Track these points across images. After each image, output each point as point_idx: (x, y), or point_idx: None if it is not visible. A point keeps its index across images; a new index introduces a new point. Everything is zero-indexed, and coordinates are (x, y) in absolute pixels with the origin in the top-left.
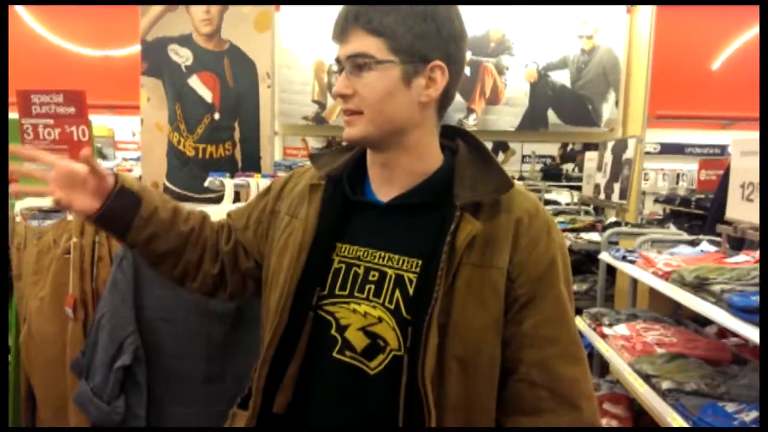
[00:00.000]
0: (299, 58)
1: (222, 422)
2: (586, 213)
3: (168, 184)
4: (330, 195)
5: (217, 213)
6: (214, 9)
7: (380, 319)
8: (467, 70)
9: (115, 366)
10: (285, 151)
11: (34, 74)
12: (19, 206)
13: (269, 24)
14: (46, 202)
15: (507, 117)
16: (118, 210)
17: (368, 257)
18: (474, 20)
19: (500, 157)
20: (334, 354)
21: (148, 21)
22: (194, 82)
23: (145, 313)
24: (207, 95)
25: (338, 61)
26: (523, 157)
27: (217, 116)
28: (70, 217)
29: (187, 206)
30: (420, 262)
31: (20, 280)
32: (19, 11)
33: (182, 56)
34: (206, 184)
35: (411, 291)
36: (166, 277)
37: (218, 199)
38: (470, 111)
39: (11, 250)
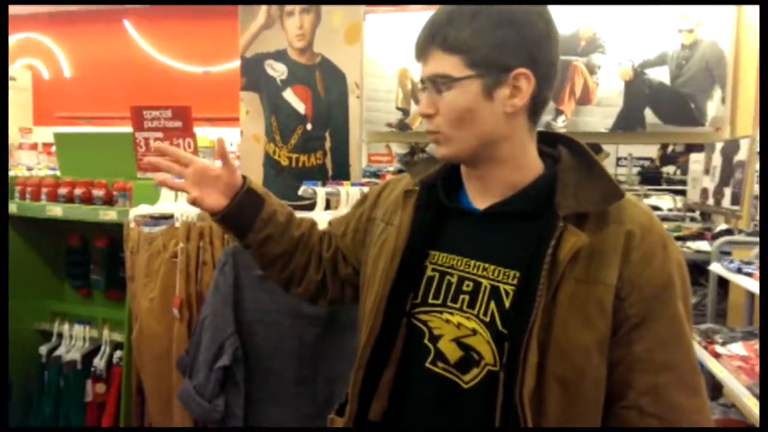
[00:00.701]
0: (383, 66)
1: (311, 423)
2: (692, 220)
3: None
4: (423, 201)
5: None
6: (307, 24)
7: (474, 332)
8: None
9: (216, 366)
10: (369, 157)
11: (144, 90)
12: (132, 213)
13: (359, 36)
14: (157, 210)
15: (599, 118)
16: (244, 209)
17: (462, 266)
18: (562, 19)
19: None
20: (427, 364)
21: (247, 38)
22: (288, 95)
23: (243, 315)
24: (300, 107)
25: (421, 81)
26: (618, 159)
27: (309, 127)
28: (177, 223)
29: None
30: (517, 273)
31: (133, 281)
32: (132, 34)
33: (278, 71)
34: (300, 192)
35: (507, 304)
36: (274, 280)
37: (310, 207)
38: (559, 112)
39: (126, 253)
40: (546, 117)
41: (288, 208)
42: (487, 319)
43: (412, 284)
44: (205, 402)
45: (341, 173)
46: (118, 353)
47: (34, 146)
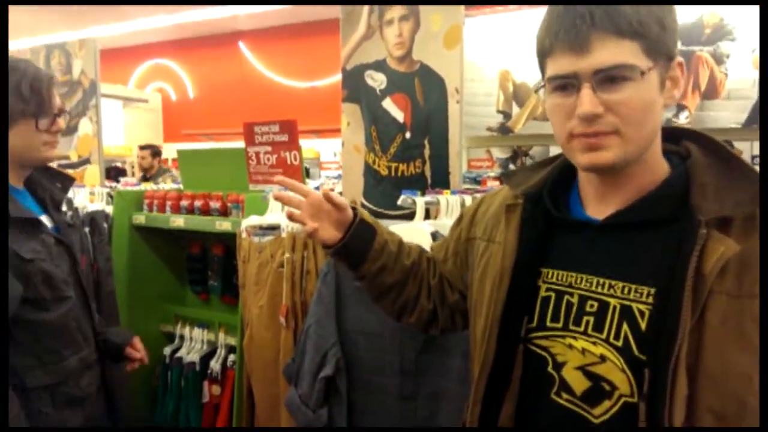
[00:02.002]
0: (483, 69)
1: None
2: None
3: (364, 202)
4: (529, 214)
5: (409, 229)
6: (406, 32)
7: (603, 358)
8: None
9: (320, 376)
10: (470, 163)
11: (257, 106)
12: (244, 224)
13: (458, 40)
14: (266, 221)
15: (729, 112)
16: (357, 241)
17: (582, 284)
18: (683, 6)
19: None
20: (552, 395)
21: (348, 51)
22: (387, 104)
23: (345, 325)
24: (399, 116)
25: (567, 76)
26: (753, 157)
27: (408, 135)
28: (284, 234)
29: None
30: (653, 290)
31: (244, 289)
32: (246, 55)
33: (377, 80)
34: (399, 202)
35: (643, 326)
36: (387, 312)
37: (410, 216)
38: (681, 108)
39: (238, 262)
40: (666, 113)
41: (397, 236)
42: (620, 344)
43: (526, 307)
44: (310, 411)
45: (441, 181)
46: (232, 357)
47: (164, 161)
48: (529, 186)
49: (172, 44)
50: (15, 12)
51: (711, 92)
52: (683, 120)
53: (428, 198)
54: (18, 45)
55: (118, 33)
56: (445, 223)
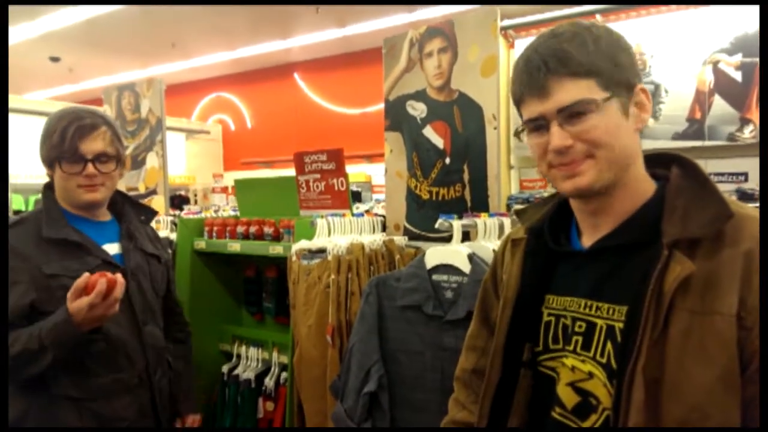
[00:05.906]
0: None
1: None
2: None
3: (407, 225)
4: (532, 248)
5: (448, 252)
6: (445, 63)
7: (591, 375)
8: (738, 76)
9: (363, 392)
10: (522, 183)
11: (311, 133)
12: (294, 248)
13: (494, 69)
14: (314, 244)
15: None
16: None
17: (574, 307)
18: (741, 17)
19: None
20: (552, 412)
21: (390, 83)
22: (428, 131)
23: (387, 343)
24: (439, 142)
25: (537, 118)
26: None
27: (448, 161)
28: (329, 257)
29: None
30: (626, 308)
31: (295, 309)
32: (301, 85)
33: (417, 110)
34: (437, 225)
35: (620, 341)
36: None
37: (451, 239)
38: (745, 122)
39: (289, 284)
40: (729, 128)
41: None
42: (604, 361)
43: (530, 333)
44: (355, 425)
45: (480, 204)
46: (284, 374)
47: (224, 189)
48: (534, 221)
49: (231, 78)
50: (89, 55)
51: None
52: (748, 134)
53: (465, 221)
54: (93, 83)
55: (183, 69)
56: (482, 244)
